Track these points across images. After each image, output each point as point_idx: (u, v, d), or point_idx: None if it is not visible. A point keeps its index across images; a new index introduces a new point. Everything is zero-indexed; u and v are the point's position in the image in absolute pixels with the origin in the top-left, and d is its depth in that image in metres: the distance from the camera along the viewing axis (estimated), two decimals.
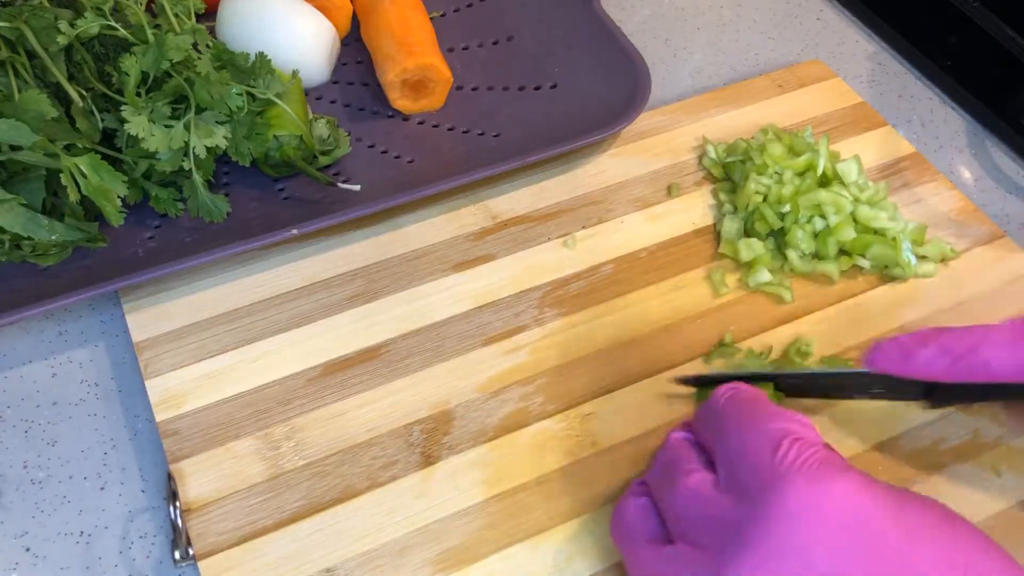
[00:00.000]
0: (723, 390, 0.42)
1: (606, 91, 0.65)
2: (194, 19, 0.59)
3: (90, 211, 0.56)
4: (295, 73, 0.60)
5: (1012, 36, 0.70)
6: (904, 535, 0.35)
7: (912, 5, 0.77)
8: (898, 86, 0.73)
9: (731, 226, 0.59)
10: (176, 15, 0.57)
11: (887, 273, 0.58)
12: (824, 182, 0.59)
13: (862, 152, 0.63)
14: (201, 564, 0.45)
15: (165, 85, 0.55)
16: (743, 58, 0.74)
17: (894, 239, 0.57)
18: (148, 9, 0.59)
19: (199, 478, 0.48)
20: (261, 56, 0.57)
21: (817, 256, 0.58)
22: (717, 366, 0.53)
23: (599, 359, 0.54)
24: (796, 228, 0.57)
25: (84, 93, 0.55)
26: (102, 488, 0.50)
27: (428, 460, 0.49)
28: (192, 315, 0.55)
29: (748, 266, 0.58)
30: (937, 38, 0.74)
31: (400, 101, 0.64)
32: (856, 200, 0.57)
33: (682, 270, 0.58)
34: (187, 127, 0.55)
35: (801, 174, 0.59)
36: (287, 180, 0.61)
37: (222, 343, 0.54)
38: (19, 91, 0.52)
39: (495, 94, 0.67)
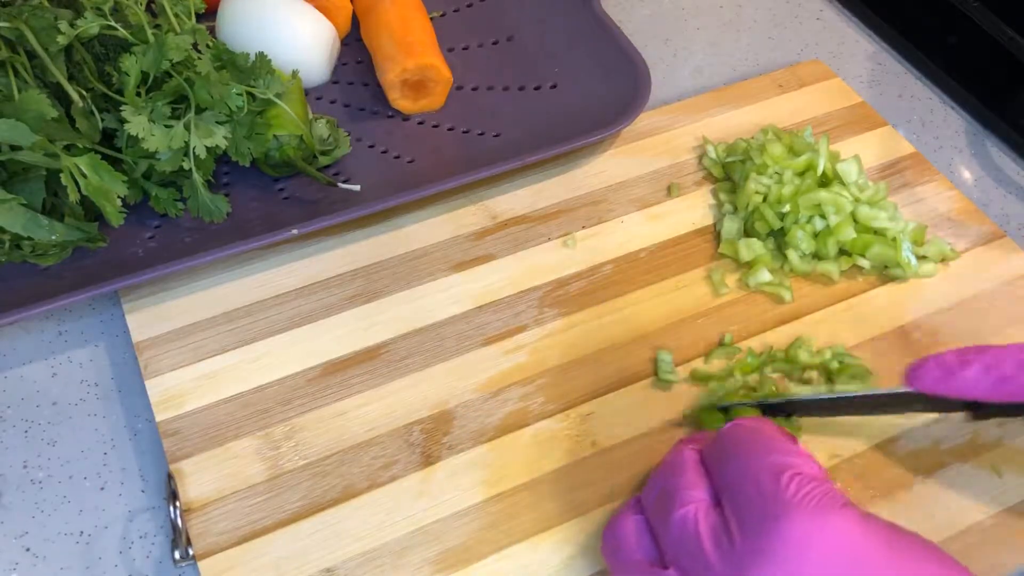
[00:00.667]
0: (731, 427, 0.42)
1: (606, 91, 0.65)
2: (194, 19, 0.59)
3: (90, 211, 0.56)
4: (295, 73, 0.60)
5: (1012, 36, 0.70)
6: (896, 572, 0.35)
7: (912, 5, 0.77)
8: (898, 86, 0.73)
9: (731, 226, 0.59)
10: (176, 15, 0.57)
11: (887, 273, 0.58)
12: (824, 182, 0.59)
13: (862, 152, 0.63)
14: (201, 564, 0.45)
15: (165, 85, 0.55)
16: (743, 58, 0.74)
17: (894, 239, 0.57)
18: (148, 9, 0.59)
19: (199, 478, 0.48)
20: (261, 56, 0.57)
21: (817, 256, 0.58)
22: (716, 366, 0.53)
23: (599, 359, 0.54)
24: (796, 228, 0.57)
25: (84, 93, 0.55)
26: (102, 488, 0.50)
27: (428, 460, 0.49)
28: (192, 315, 0.55)
29: (748, 266, 0.58)
30: (937, 38, 0.74)
31: (400, 101, 0.64)
32: (856, 200, 0.57)
33: (682, 270, 0.58)
34: (187, 127, 0.55)
35: (801, 174, 0.59)
36: (287, 180, 0.61)
37: (222, 343, 0.54)
38: (19, 91, 0.52)
39: (495, 94, 0.67)
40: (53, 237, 0.53)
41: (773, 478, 0.37)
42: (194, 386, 0.52)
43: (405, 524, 0.47)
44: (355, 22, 0.70)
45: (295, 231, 0.55)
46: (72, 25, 0.54)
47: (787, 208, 0.57)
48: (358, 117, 0.65)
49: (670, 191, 0.62)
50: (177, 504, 0.46)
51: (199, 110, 0.55)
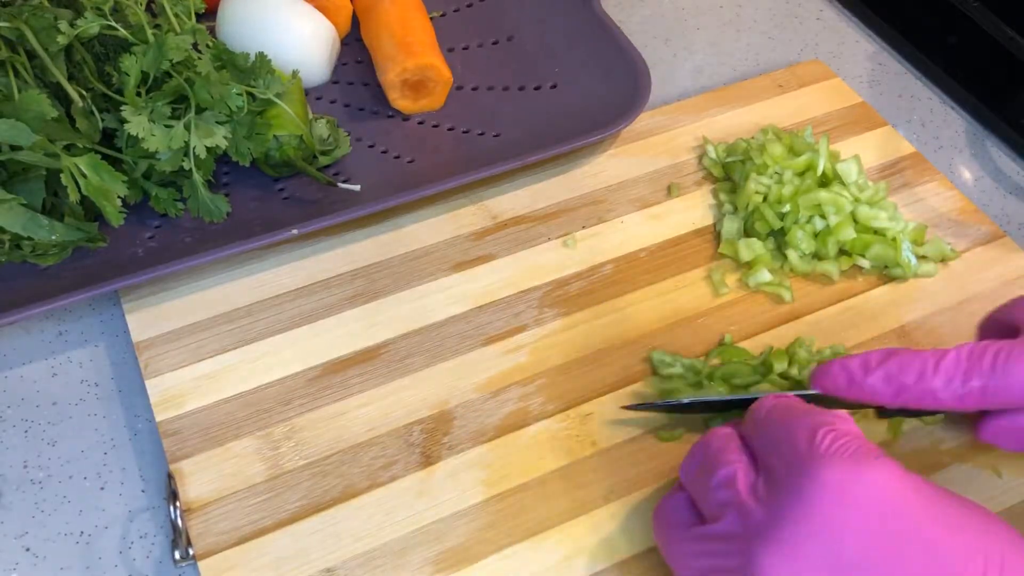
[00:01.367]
0: (766, 400, 0.42)
1: (606, 91, 0.65)
2: (194, 19, 0.59)
3: (90, 211, 0.56)
4: (295, 73, 0.60)
5: (1012, 36, 0.70)
6: (937, 525, 0.35)
7: (912, 5, 0.77)
8: (898, 86, 0.73)
9: (731, 226, 0.59)
10: (176, 15, 0.57)
11: (887, 273, 0.58)
12: (824, 182, 0.59)
13: (862, 152, 0.63)
14: (201, 564, 0.45)
15: (165, 85, 0.55)
16: (743, 58, 0.74)
17: (894, 239, 0.57)
18: (148, 9, 0.59)
19: (199, 478, 0.48)
20: (261, 56, 0.57)
21: (817, 256, 0.58)
22: (713, 365, 0.53)
23: (599, 359, 0.54)
24: (796, 228, 0.57)
25: (84, 93, 0.55)
26: (102, 488, 0.50)
27: (428, 460, 0.49)
28: (192, 315, 0.55)
29: (748, 266, 0.58)
30: (937, 38, 0.74)
31: (400, 101, 0.64)
32: (856, 200, 0.57)
33: (682, 270, 0.58)
34: (187, 127, 0.55)
35: (801, 174, 0.59)
36: (287, 180, 0.61)
37: (222, 343, 0.54)
38: (19, 91, 0.52)
39: (495, 94, 0.67)
40: (53, 237, 0.53)
41: (809, 434, 0.38)
42: (194, 386, 0.52)
43: (405, 524, 0.47)
44: (355, 22, 0.70)
45: (295, 231, 0.55)
46: (72, 25, 0.54)
47: (787, 208, 0.57)
48: (358, 117, 0.65)
49: (670, 191, 0.62)
50: (177, 504, 0.46)
51: (199, 110, 0.55)
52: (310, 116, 0.61)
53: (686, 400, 0.50)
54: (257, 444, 0.50)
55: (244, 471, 0.49)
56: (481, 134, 0.64)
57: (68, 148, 0.53)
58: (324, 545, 0.46)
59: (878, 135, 0.66)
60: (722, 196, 0.61)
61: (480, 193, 0.61)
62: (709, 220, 0.61)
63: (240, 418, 0.51)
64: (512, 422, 0.51)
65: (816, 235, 0.57)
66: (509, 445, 0.50)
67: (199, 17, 0.60)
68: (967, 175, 0.67)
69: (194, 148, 0.55)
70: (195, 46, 0.57)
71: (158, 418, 0.50)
